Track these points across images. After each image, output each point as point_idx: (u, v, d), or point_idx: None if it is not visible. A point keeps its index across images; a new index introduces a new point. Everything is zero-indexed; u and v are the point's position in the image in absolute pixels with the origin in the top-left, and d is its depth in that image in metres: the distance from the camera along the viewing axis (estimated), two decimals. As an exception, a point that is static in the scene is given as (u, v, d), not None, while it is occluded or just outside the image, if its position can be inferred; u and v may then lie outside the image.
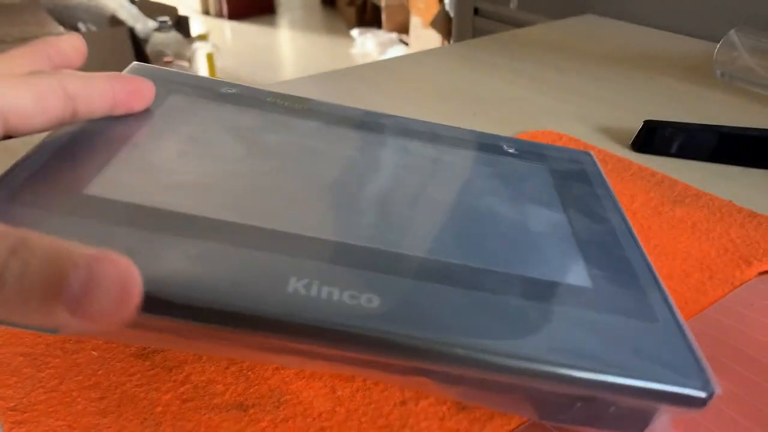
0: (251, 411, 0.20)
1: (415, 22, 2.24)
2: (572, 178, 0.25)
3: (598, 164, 0.27)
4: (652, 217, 0.31)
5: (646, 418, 0.18)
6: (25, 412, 0.20)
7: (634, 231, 0.23)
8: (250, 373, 0.22)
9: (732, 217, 0.31)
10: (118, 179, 0.19)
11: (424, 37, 2.18)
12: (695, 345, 0.18)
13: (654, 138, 0.39)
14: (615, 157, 0.38)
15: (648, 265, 0.21)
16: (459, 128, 0.28)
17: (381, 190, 0.22)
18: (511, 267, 0.19)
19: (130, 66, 0.26)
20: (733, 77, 0.50)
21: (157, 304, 0.15)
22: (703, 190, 0.34)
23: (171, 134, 0.22)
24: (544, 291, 0.18)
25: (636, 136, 0.40)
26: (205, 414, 0.20)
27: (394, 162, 0.24)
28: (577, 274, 0.19)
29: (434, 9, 1.99)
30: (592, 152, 0.28)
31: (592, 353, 0.16)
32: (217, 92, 0.26)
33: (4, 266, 0.11)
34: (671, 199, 0.33)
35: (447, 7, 1.74)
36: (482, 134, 0.28)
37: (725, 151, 0.38)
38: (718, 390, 0.16)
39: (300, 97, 0.27)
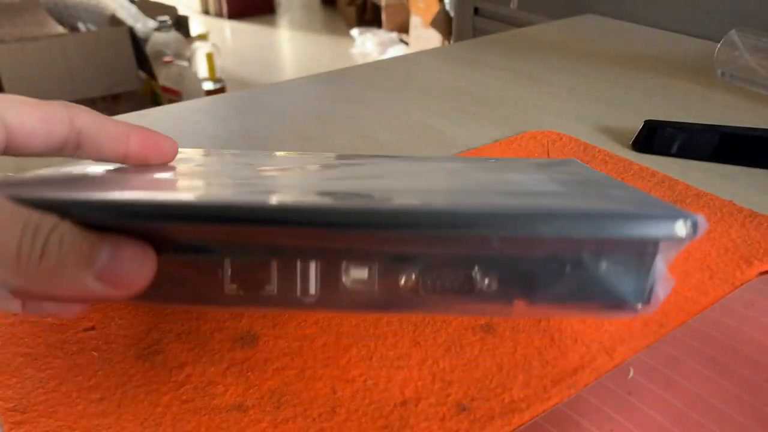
0: (251, 412, 0.20)
1: (415, 21, 2.24)
2: (557, 164, 0.26)
3: (587, 166, 0.28)
4: (652, 217, 0.31)
5: (640, 275, 0.16)
6: (25, 413, 0.20)
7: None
8: (249, 373, 0.22)
9: (732, 217, 0.31)
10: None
11: (424, 36, 2.18)
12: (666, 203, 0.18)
13: (654, 138, 0.39)
14: (615, 157, 0.38)
15: (629, 187, 0.21)
16: (422, 157, 0.29)
17: (372, 175, 0.23)
18: (490, 187, 0.20)
19: None
20: (734, 77, 0.50)
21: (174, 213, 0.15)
22: (703, 190, 0.34)
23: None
24: (520, 193, 0.19)
25: (636, 136, 0.40)
26: (204, 415, 0.20)
27: (373, 167, 0.25)
28: (553, 189, 0.20)
29: (434, 9, 1.99)
30: (577, 159, 0.29)
31: (582, 203, 0.17)
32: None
33: (46, 240, 0.14)
34: (672, 199, 0.33)
35: (447, 7, 1.74)
36: (448, 156, 0.30)
37: (726, 151, 0.38)
38: (702, 221, 0.16)
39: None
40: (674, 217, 0.16)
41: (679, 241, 0.16)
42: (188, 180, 0.21)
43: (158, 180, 0.20)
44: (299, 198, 0.17)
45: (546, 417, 0.20)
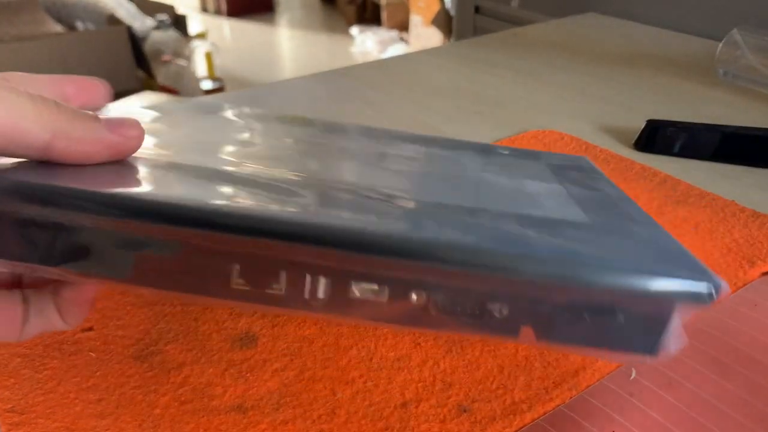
0: (250, 413, 0.20)
1: (416, 20, 2.24)
2: (569, 169, 0.26)
3: (594, 165, 0.27)
4: (654, 216, 0.31)
5: (656, 332, 0.17)
6: (23, 414, 0.20)
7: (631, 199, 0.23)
8: (248, 374, 0.21)
9: (735, 217, 0.31)
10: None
11: (424, 35, 2.18)
12: (695, 257, 0.18)
13: (657, 137, 0.39)
14: (617, 157, 0.37)
15: (645, 215, 0.21)
16: (451, 139, 0.28)
17: (383, 173, 0.22)
18: (509, 208, 0.19)
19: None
20: (736, 76, 0.50)
21: (167, 213, 0.15)
22: (705, 189, 0.34)
23: (178, 130, 0.22)
24: (541, 222, 0.18)
25: (639, 136, 0.39)
26: (203, 416, 0.20)
27: (390, 155, 0.24)
28: (573, 214, 0.20)
29: (435, 7, 1.99)
30: (587, 156, 0.29)
31: (602, 252, 0.16)
32: (220, 109, 0.26)
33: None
34: (674, 199, 0.33)
35: (447, 6, 1.74)
36: (476, 142, 0.28)
37: (728, 151, 0.37)
38: (724, 284, 0.16)
39: (300, 117, 0.28)
40: (697, 279, 0.16)
41: (699, 305, 0.16)
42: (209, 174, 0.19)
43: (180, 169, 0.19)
44: (320, 209, 0.16)
45: (547, 418, 0.20)
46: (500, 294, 0.16)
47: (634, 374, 0.21)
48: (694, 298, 0.16)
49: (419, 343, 0.23)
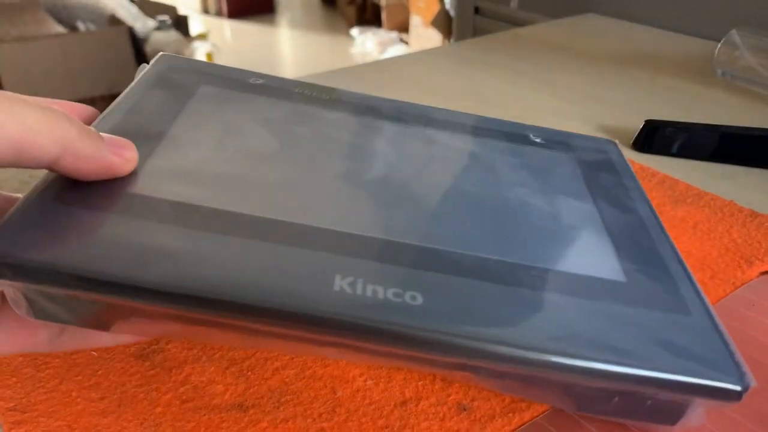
0: (251, 411, 0.20)
1: (416, 21, 2.24)
2: (600, 169, 0.25)
3: (623, 154, 0.27)
4: (653, 216, 0.31)
5: (681, 410, 0.18)
6: (25, 413, 0.20)
7: (660, 221, 0.23)
8: (249, 373, 0.22)
9: (733, 216, 0.31)
10: (159, 176, 0.19)
11: (424, 36, 2.18)
12: (728, 338, 0.18)
13: (655, 138, 0.39)
14: (616, 157, 0.38)
15: (678, 258, 0.21)
16: (484, 117, 0.27)
17: (415, 184, 0.22)
18: (547, 262, 0.19)
19: (154, 59, 0.25)
20: (735, 77, 0.50)
21: (205, 303, 0.15)
22: (704, 189, 0.34)
23: (206, 128, 0.22)
24: (580, 286, 0.18)
25: (637, 136, 0.40)
26: (204, 414, 0.20)
27: (426, 154, 0.24)
28: (611, 269, 0.20)
29: (434, 8, 1.99)
30: (616, 141, 0.28)
31: (629, 349, 0.16)
32: (245, 83, 0.25)
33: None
34: (672, 199, 0.33)
35: (447, 6, 1.74)
36: (507, 123, 0.27)
37: (726, 151, 0.38)
38: (753, 383, 0.16)
39: (327, 87, 0.27)
40: (729, 381, 0.16)
41: (722, 402, 0.17)
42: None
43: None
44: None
45: (546, 417, 0.20)
46: (541, 380, 0.18)
47: None
48: (716, 395, 0.16)
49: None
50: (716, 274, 0.27)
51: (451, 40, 1.39)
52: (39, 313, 0.16)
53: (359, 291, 0.16)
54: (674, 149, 0.38)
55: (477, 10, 0.93)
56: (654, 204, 0.33)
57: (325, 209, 0.19)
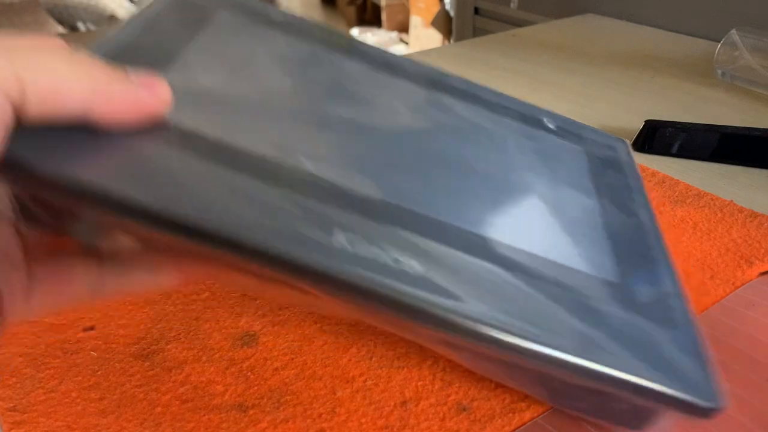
0: (251, 411, 0.20)
1: (416, 21, 2.24)
2: (608, 166, 0.25)
3: (632, 154, 0.27)
4: (653, 217, 0.31)
5: (652, 417, 0.18)
6: (25, 413, 0.20)
7: (660, 228, 0.23)
8: (249, 373, 0.22)
9: (733, 217, 0.31)
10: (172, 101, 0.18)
11: (424, 36, 2.18)
12: (709, 356, 0.18)
13: (655, 138, 0.39)
14: (616, 157, 0.38)
15: (672, 269, 0.21)
16: (502, 94, 0.27)
17: (420, 148, 0.22)
18: (548, 252, 0.19)
19: None
20: (734, 77, 0.50)
21: (209, 236, 0.15)
22: (704, 189, 0.34)
23: (219, 56, 0.21)
24: (573, 280, 0.18)
25: (637, 136, 0.40)
26: (204, 414, 0.20)
27: (437, 120, 0.23)
28: (605, 268, 0.20)
29: (434, 8, 1.99)
30: (627, 141, 0.28)
31: (609, 350, 0.17)
32: (266, 17, 0.24)
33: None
34: (672, 199, 0.33)
35: (447, 7, 1.74)
36: (524, 104, 0.27)
37: (726, 151, 0.38)
38: (724, 404, 0.17)
39: (345, 37, 0.26)
40: (701, 398, 0.17)
41: (689, 415, 0.17)
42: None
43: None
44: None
45: (546, 417, 0.20)
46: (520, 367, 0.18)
47: None
48: (685, 409, 0.17)
49: (419, 343, 0.23)
50: (716, 274, 0.27)
51: (451, 41, 1.39)
52: (28, 219, 0.16)
53: (359, 250, 0.16)
54: (674, 149, 0.38)
55: (477, 11, 0.92)
56: (654, 204, 0.32)
57: (328, 158, 0.19)
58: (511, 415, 0.20)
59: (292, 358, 0.22)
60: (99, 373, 0.21)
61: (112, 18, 1.80)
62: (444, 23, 1.85)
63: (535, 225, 0.20)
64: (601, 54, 0.59)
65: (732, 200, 0.33)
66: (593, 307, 0.18)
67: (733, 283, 0.27)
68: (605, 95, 0.49)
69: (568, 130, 0.26)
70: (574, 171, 0.24)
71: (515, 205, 0.21)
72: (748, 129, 0.38)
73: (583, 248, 0.20)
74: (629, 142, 0.28)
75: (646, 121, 0.39)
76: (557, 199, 0.22)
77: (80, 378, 0.21)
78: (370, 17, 2.73)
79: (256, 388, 0.21)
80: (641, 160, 0.38)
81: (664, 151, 0.39)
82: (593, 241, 0.21)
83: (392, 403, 0.20)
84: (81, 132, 0.15)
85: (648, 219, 0.23)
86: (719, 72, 0.51)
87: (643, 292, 0.19)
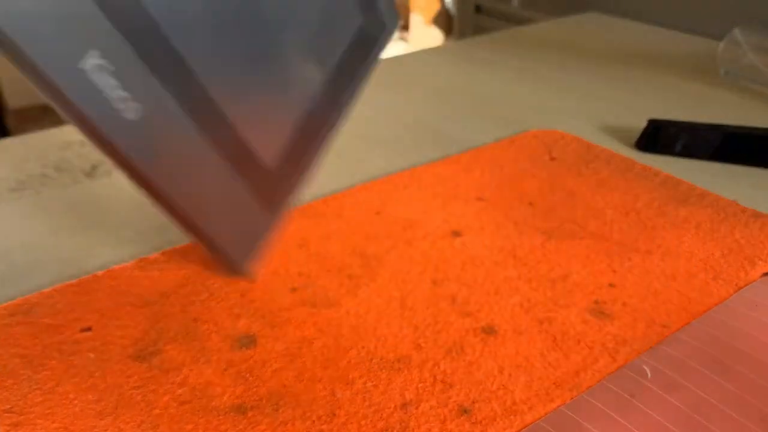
0: (250, 413, 0.20)
1: (416, 19, 2.23)
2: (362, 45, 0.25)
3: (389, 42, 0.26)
4: (656, 217, 0.31)
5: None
6: (22, 415, 0.20)
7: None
8: (248, 375, 0.21)
9: (736, 217, 0.31)
10: None
11: (425, 34, 2.18)
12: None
13: (658, 137, 0.39)
14: (619, 157, 0.37)
15: None
16: None
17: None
18: None
19: None
20: (738, 76, 0.50)
21: None
22: (707, 189, 0.34)
23: None
24: None
25: (640, 135, 0.39)
26: (203, 416, 0.20)
27: None
28: None
29: (435, 7, 1.99)
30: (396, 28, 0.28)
31: None
32: None
33: None
34: (675, 198, 0.33)
35: (448, 5, 1.74)
36: None
37: (729, 151, 0.37)
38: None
39: None
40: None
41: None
42: None
43: None
44: None
45: (548, 419, 0.20)
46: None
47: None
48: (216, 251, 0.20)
49: (419, 344, 0.23)
50: (719, 275, 0.27)
51: (452, 39, 1.39)
52: None
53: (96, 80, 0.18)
54: (677, 149, 0.38)
55: (478, 9, 0.92)
56: (656, 204, 0.32)
57: None
58: (512, 417, 0.20)
59: (291, 360, 0.22)
60: (96, 374, 0.21)
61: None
62: (445, 21, 1.85)
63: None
64: (604, 52, 0.59)
65: (735, 200, 0.33)
66: None
67: (736, 284, 0.26)
68: (607, 94, 0.49)
69: None
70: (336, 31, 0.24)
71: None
72: (752, 128, 0.38)
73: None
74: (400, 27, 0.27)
75: (648, 121, 0.39)
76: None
77: (78, 379, 0.21)
78: (371, 15, 2.72)
79: (255, 389, 0.21)
80: (644, 159, 0.38)
81: (667, 150, 0.38)
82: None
83: (392, 406, 0.20)
84: None
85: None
86: (722, 71, 0.51)
87: None
